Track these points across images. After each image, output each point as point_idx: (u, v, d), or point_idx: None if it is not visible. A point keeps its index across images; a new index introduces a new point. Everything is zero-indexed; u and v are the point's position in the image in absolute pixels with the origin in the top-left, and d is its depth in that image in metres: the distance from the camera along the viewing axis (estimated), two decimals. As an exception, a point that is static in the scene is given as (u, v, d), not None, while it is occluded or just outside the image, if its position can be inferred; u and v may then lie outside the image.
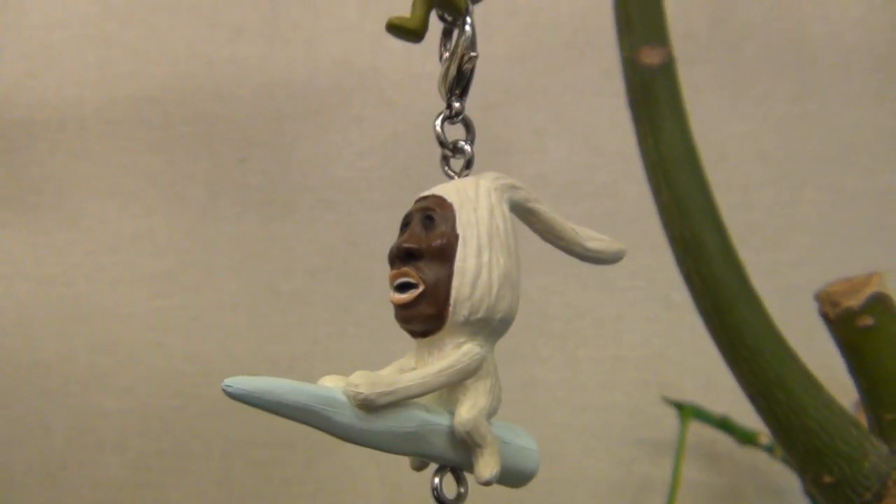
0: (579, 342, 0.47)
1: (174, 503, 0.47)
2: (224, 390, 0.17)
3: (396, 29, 0.22)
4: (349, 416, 0.18)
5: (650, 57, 0.26)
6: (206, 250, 0.48)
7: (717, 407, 0.44)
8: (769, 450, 0.43)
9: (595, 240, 0.23)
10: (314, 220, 0.48)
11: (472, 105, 0.51)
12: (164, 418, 0.48)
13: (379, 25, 0.49)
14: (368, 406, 0.18)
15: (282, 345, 0.48)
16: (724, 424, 0.43)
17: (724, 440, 0.45)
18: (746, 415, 0.41)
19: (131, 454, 0.48)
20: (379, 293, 0.44)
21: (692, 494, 0.46)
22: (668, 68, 0.26)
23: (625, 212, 0.49)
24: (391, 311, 0.20)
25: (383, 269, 0.22)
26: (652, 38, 0.26)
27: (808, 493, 0.44)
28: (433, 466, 0.21)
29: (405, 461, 0.49)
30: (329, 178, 0.49)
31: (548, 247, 0.51)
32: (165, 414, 0.48)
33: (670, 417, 0.44)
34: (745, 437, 0.43)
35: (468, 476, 0.20)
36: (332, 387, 0.18)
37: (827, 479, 0.22)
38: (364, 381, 0.18)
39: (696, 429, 0.45)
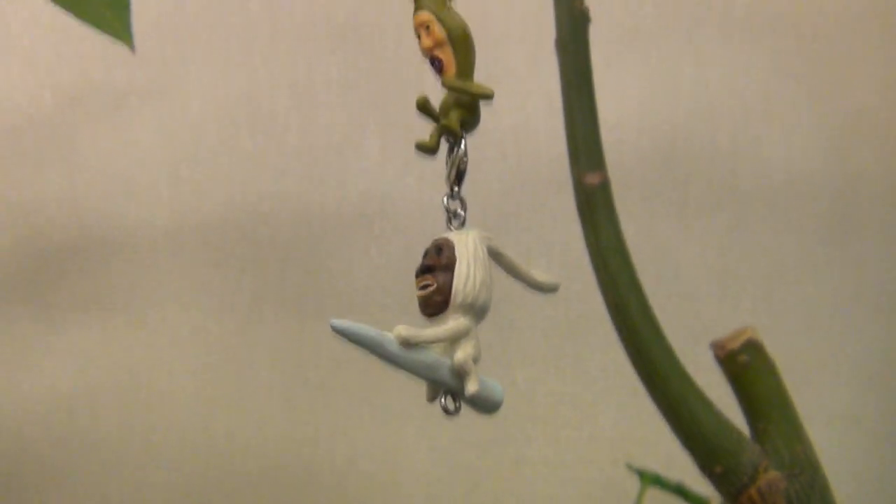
0: (561, 424, 0.55)
1: (211, 563, 0.54)
2: (331, 325, 0.27)
3: (421, 147, 0.33)
4: (396, 349, 0.27)
5: (592, 178, 0.36)
6: (249, 347, 0.57)
7: (676, 479, 0.51)
8: (719, 512, 0.50)
9: (540, 275, 0.33)
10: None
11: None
12: (205, 491, 0.55)
13: (396, 166, 0.61)
14: (405, 343, 0.27)
15: (308, 427, 0.56)
16: (680, 490, 0.50)
17: (683, 508, 0.51)
18: (700, 485, 0.49)
19: (176, 520, 0.55)
20: (390, 382, 0.53)
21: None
22: (604, 187, 0.36)
23: (596, 318, 0.58)
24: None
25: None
26: (593, 164, 0.36)
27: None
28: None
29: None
30: (353, 286, 0.58)
31: (533, 346, 0.60)
32: (207, 486, 0.55)
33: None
34: (698, 503, 0.50)
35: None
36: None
37: (718, 469, 0.30)
38: (404, 329, 0.28)
39: (660, 500, 0.52)
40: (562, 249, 0.59)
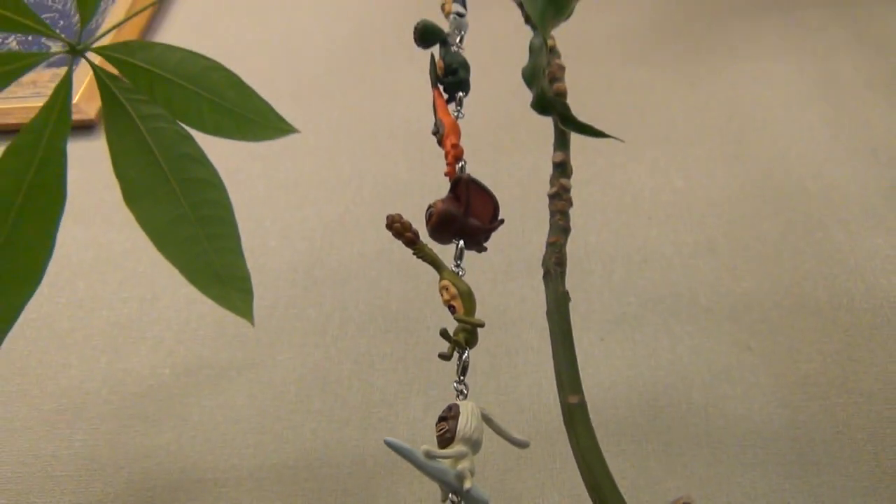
0: None
1: None
2: (385, 441, 0.39)
3: (442, 356, 0.47)
4: (422, 458, 0.40)
5: (573, 399, 0.49)
6: (311, 567, 0.67)
7: None
8: None
9: (516, 436, 0.46)
10: (387, 545, 0.67)
11: (492, 466, 0.74)
12: None
13: (435, 418, 0.75)
14: (427, 454, 0.40)
15: None
16: None
17: None
18: None
19: None
20: None
21: None
22: (582, 405, 0.49)
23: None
24: None
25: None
26: (573, 389, 0.50)
27: None
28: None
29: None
30: (399, 516, 0.69)
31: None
32: None
33: None
34: None
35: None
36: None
37: None
38: (427, 447, 0.40)
39: None
40: (571, 486, 0.70)
